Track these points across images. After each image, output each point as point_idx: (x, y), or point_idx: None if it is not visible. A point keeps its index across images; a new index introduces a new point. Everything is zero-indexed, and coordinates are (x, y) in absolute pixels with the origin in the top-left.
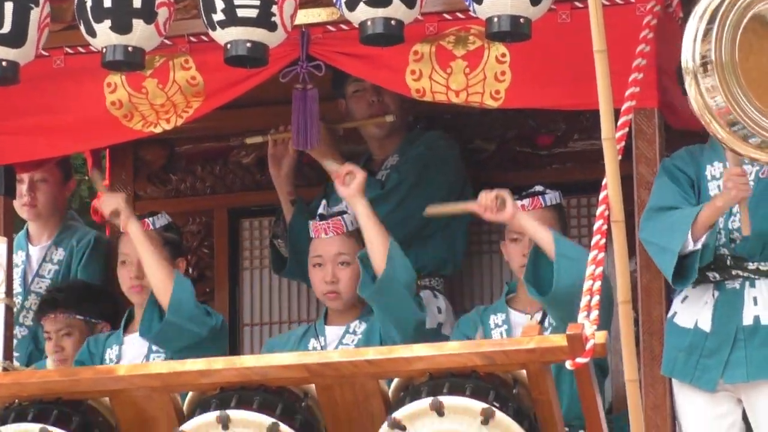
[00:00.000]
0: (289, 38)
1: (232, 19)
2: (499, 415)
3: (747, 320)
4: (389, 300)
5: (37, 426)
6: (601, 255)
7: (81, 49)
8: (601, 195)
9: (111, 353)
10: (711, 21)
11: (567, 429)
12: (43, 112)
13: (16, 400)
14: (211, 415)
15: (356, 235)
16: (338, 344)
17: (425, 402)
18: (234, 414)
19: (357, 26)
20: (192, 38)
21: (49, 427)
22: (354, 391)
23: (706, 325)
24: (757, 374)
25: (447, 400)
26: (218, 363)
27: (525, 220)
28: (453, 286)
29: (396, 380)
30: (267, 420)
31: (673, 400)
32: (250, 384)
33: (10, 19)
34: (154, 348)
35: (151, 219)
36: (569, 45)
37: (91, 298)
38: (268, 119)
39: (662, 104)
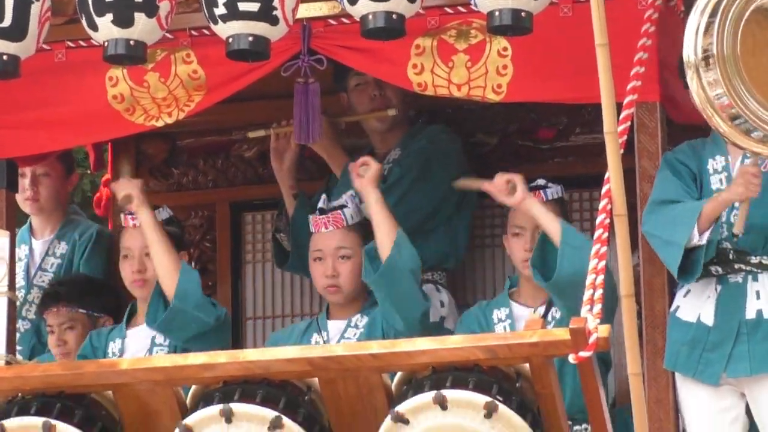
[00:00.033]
0: (290, 32)
1: (233, 12)
2: (502, 408)
3: (750, 314)
4: (394, 286)
5: (40, 419)
6: (604, 249)
7: (82, 43)
8: (604, 189)
9: (114, 347)
10: (713, 14)
11: (570, 422)
12: (44, 106)
13: (19, 394)
14: (214, 409)
15: (356, 229)
16: (340, 338)
17: (428, 396)
18: (237, 408)
19: (358, 20)
20: (194, 32)
21: (52, 421)
22: (357, 385)
23: (708, 319)
24: (760, 368)
25: (450, 394)
26: (221, 357)
27: (534, 206)
28: (455, 280)
29: (399, 374)
30: (270, 413)
31: (676, 394)
32: (253, 378)
33: (11, 13)
34: (157, 342)
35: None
36: (571, 38)
37: (94, 292)
38: (270, 113)
39: (664, 98)
